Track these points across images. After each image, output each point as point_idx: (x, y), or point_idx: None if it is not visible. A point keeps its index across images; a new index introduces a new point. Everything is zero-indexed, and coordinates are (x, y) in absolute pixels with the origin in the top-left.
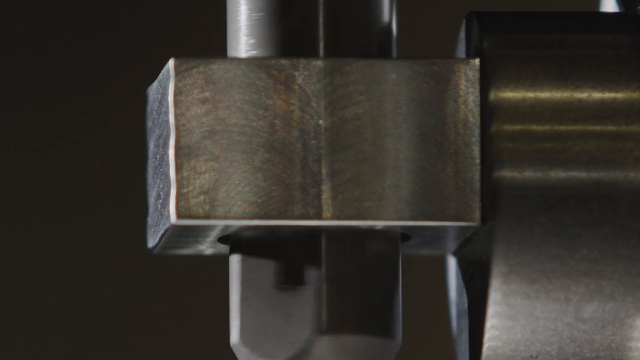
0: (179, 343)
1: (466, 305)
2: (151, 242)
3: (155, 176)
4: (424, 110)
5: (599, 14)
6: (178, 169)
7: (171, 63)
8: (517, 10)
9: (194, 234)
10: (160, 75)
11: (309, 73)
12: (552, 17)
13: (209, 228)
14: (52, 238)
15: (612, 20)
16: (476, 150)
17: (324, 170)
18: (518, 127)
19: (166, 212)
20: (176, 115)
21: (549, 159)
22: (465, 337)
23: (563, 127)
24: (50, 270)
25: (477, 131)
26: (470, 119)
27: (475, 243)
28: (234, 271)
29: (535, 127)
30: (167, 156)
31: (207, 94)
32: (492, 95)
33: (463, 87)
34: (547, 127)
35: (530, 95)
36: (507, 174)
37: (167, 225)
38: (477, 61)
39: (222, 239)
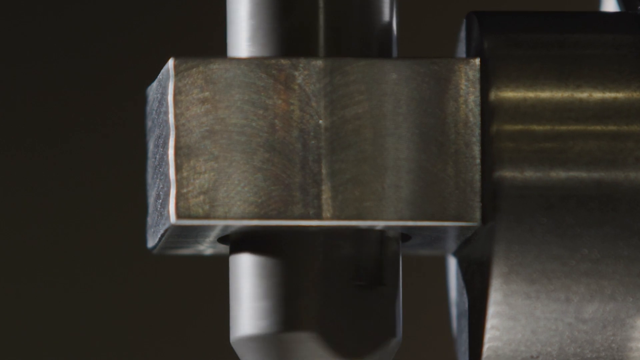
0: (179, 343)
1: (466, 305)
2: (151, 242)
3: (155, 176)
4: (424, 110)
5: (599, 13)
6: (178, 169)
7: (171, 63)
8: (517, 10)
9: (194, 234)
10: (159, 75)
11: (309, 73)
12: (553, 16)
13: (209, 228)
14: (51, 238)
15: (612, 20)
16: (476, 150)
17: (323, 170)
18: (518, 127)
19: (166, 212)
20: (176, 115)
21: (549, 158)
22: (465, 338)
23: (564, 127)
24: (50, 270)
25: (477, 131)
26: (471, 119)
27: (476, 243)
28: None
29: (536, 127)
30: (167, 156)
31: (206, 93)
32: (493, 95)
33: (463, 87)
34: (547, 127)
35: (530, 95)
36: (508, 174)
37: (166, 225)
38: (477, 61)
39: (221, 239)
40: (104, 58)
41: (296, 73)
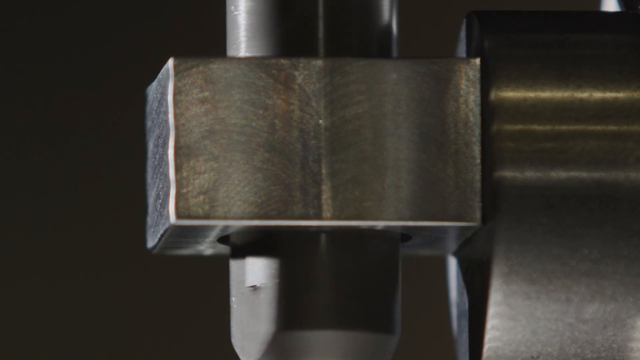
0: (179, 343)
1: (467, 305)
2: (150, 242)
3: (155, 176)
4: (424, 110)
5: (599, 13)
6: (177, 168)
7: (170, 63)
8: (518, 9)
9: (194, 234)
10: (159, 74)
11: (308, 73)
12: (553, 16)
13: (209, 228)
14: (51, 238)
15: (613, 20)
16: (477, 150)
17: (323, 170)
18: (519, 126)
19: (165, 212)
20: (175, 115)
21: (550, 158)
22: (465, 338)
23: (564, 127)
24: (50, 270)
25: (477, 131)
26: (471, 119)
27: (476, 243)
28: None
29: (536, 127)
30: (167, 156)
31: (206, 93)
32: (493, 94)
33: (464, 87)
34: (548, 127)
35: (531, 94)
36: (508, 173)
37: (166, 226)
38: (477, 61)
39: (221, 239)
40: (104, 58)
41: (296, 73)
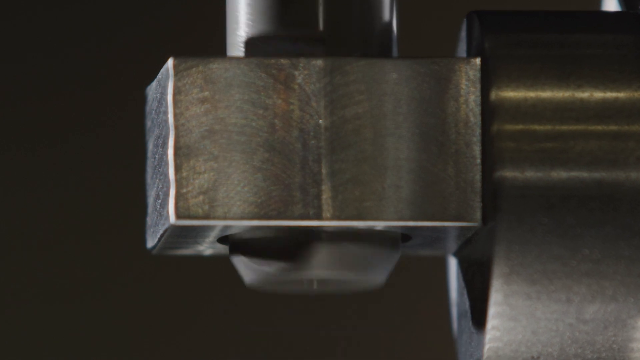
0: (179, 343)
1: (467, 306)
2: (150, 243)
3: (155, 176)
4: (425, 109)
5: (600, 13)
6: (177, 169)
7: (170, 62)
8: (518, 9)
9: (193, 234)
10: (159, 74)
11: (308, 72)
12: (554, 16)
13: (209, 228)
14: (51, 238)
15: (613, 20)
16: (477, 150)
17: (323, 170)
18: (519, 126)
19: (165, 212)
20: (175, 115)
21: (550, 158)
22: (466, 338)
23: (564, 127)
24: (49, 270)
25: (478, 131)
26: (471, 119)
27: (476, 243)
28: None
29: (537, 127)
30: (166, 156)
31: (206, 93)
32: (493, 94)
33: (464, 87)
34: (548, 127)
35: (531, 94)
36: (509, 173)
37: (166, 226)
38: (478, 60)
39: (221, 240)
40: (103, 58)
41: (296, 73)
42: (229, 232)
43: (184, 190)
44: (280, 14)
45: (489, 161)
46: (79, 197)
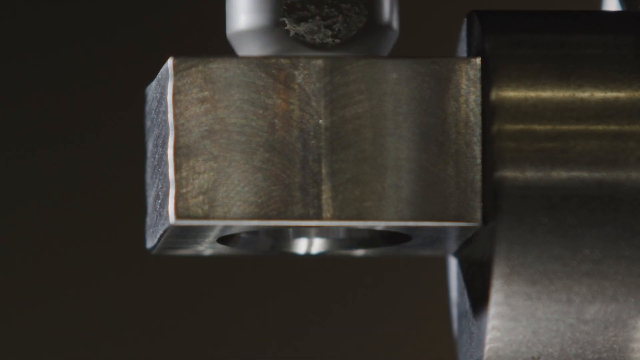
0: (179, 343)
1: (467, 306)
2: (150, 243)
3: (154, 176)
4: (425, 109)
5: (601, 13)
6: (177, 168)
7: (170, 62)
8: (518, 9)
9: (193, 234)
10: (159, 74)
11: (308, 72)
12: (554, 16)
13: (208, 228)
14: (51, 238)
15: (614, 20)
16: (477, 150)
17: (324, 170)
18: (520, 126)
19: (165, 212)
20: (175, 115)
21: (550, 158)
22: (466, 338)
23: (565, 127)
24: (49, 270)
25: (478, 131)
26: (472, 119)
27: (477, 244)
28: None
29: (537, 127)
30: (166, 156)
31: (206, 93)
32: (494, 94)
33: (464, 87)
34: (548, 127)
35: (531, 94)
36: (509, 173)
37: (166, 226)
38: (478, 60)
39: (221, 240)
40: (103, 57)
41: (296, 72)
42: (228, 232)
43: (184, 190)
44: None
45: (490, 161)
46: (79, 197)
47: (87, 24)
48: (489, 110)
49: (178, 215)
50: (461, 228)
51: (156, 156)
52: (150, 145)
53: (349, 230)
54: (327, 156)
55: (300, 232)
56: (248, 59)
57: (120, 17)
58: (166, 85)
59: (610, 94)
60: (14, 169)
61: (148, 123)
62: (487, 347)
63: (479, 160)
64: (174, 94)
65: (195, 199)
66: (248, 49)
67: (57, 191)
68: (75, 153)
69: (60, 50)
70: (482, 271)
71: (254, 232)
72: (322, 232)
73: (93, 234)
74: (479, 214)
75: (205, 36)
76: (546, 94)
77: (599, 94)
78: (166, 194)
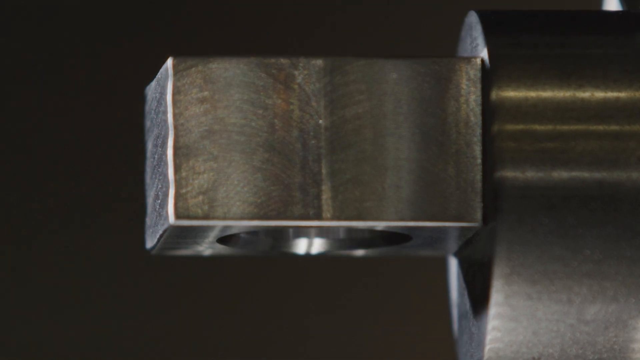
0: (179, 343)
1: (468, 306)
2: (149, 243)
3: (154, 176)
4: (425, 109)
5: (601, 12)
6: (176, 169)
7: (169, 62)
8: (519, 9)
9: (193, 234)
10: (158, 74)
11: (308, 72)
12: (555, 16)
13: (208, 229)
14: (50, 238)
15: (614, 20)
16: (478, 150)
17: (323, 170)
18: (520, 126)
19: (164, 212)
20: (175, 115)
21: (551, 158)
22: (466, 339)
23: (565, 127)
24: (49, 270)
25: (478, 131)
26: (472, 119)
27: (477, 244)
28: None
29: (538, 127)
30: (166, 156)
31: (205, 93)
32: (494, 94)
33: (464, 87)
34: (549, 127)
35: (532, 94)
36: (509, 174)
37: (165, 226)
38: (478, 60)
39: (220, 240)
40: (102, 57)
41: (296, 72)
42: (228, 233)
43: (184, 191)
44: None
45: (490, 161)
46: (79, 197)
47: (87, 23)
48: (489, 110)
49: (178, 216)
50: (461, 228)
51: (156, 156)
52: (149, 145)
53: (349, 230)
54: (327, 156)
55: (300, 232)
56: (248, 59)
57: (121, 17)
58: (166, 85)
59: (611, 94)
60: (14, 169)
61: (148, 123)
62: (487, 348)
63: (479, 161)
64: (174, 94)
65: (194, 199)
66: None
67: (57, 191)
68: (75, 153)
69: (61, 51)
70: (482, 271)
71: (253, 232)
72: (322, 232)
73: (93, 234)
74: (479, 214)
75: (205, 36)
76: (546, 94)
77: (599, 94)
78: (166, 194)
